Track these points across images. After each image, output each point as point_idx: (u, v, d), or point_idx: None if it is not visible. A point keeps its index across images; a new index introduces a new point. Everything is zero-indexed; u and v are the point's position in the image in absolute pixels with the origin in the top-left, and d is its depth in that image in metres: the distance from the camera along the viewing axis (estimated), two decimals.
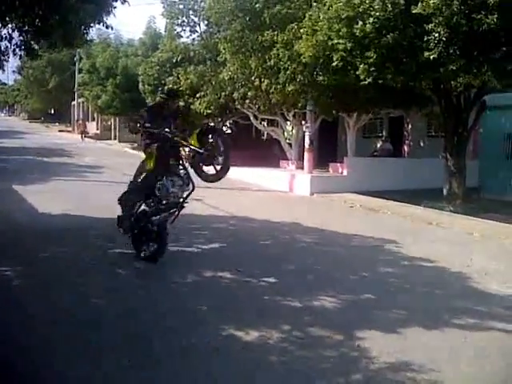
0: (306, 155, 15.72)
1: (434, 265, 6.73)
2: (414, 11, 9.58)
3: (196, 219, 8.65)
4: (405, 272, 6.40)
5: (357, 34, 10.32)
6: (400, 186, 14.39)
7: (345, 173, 15.26)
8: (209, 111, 18.66)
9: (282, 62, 13.85)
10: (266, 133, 22.92)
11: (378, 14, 10.06)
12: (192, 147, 5.91)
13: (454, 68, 9.60)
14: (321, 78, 12.29)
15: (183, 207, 6.14)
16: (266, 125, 21.58)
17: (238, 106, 18.40)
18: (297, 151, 18.54)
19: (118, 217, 6.40)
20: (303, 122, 17.27)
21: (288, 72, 13.70)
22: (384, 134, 20.23)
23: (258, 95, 16.09)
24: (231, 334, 4.20)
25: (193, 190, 6.06)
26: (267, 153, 20.79)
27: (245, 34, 15.14)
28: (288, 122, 19.39)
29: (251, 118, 19.54)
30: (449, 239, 8.78)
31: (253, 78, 15.41)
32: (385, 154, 17.49)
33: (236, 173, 18.08)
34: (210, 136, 6.08)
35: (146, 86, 24.79)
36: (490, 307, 5.09)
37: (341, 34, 10.65)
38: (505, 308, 5.08)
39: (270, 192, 14.82)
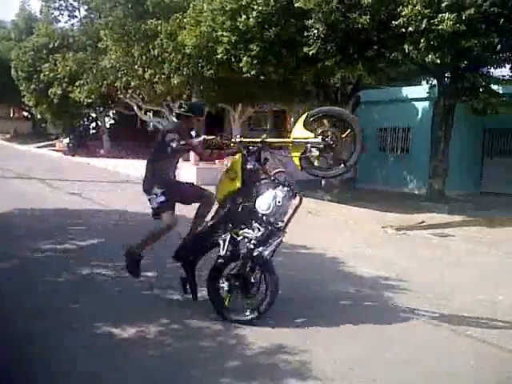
0: None
1: (312, 251, 7.04)
2: (296, 4, 9.90)
3: (73, 214, 8.21)
4: (283, 260, 6.56)
5: (240, 27, 10.45)
6: None
7: None
8: (89, 100, 17.83)
9: (166, 53, 13.63)
10: (151, 124, 22.41)
11: (260, 8, 10.28)
12: (304, 141, 4.29)
13: (331, 64, 10.10)
14: (205, 70, 12.27)
15: (284, 233, 4.40)
16: (151, 116, 21.11)
17: (121, 96, 17.78)
18: None
19: (182, 279, 4.60)
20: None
21: (173, 63, 13.52)
22: (268, 126, 20.81)
23: (141, 85, 15.70)
24: (107, 331, 4.03)
25: (300, 203, 4.39)
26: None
27: (127, 22, 14.69)
28: (174, 114, 19.12)
29: (135, 108, 18.99)
30: (325, 226, 9.27)
31: (136, 67, 15.00)
32: None
33: (119, 165, 17.53)
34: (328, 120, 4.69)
35: (20, 73, 23.02)
36: (361, 289, 5.45)
37: (225, 26, 10.73)
38: (373, 289, 5.47)
39: None
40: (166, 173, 4.69)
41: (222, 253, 4.30)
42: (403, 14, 8.93)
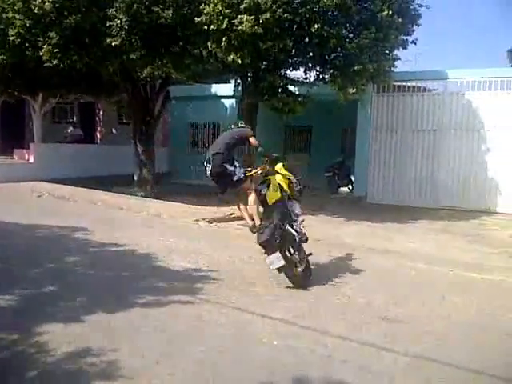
0: None
1: (123, 248, 6.88)
2: None
3: None
4: (93, 258, 6.35)
5: (35, 11, 9.64)
6: (92, 173, 14.25)
7: (31, 160, 14.22)
8: None
9: None
10: None
11: None
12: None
13: (136, 57, 9.93)
14: None
15: None
16: None
17: None
18: None
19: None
20: None
21: None
22: (75, 119, 19.65)
23: None
24: None
25: None
26: None
27: None
28: None
29: None
30: (139, 222, 9.13)
31: None
32: (75, 140, 17.01)
33: None
34: None
35: None
36: (171, 283, 5.46)
37: (16, 8, 9.80)
38: (183, 281, 5.53)
39: None
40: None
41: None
42: (205, 11, 9.17)
